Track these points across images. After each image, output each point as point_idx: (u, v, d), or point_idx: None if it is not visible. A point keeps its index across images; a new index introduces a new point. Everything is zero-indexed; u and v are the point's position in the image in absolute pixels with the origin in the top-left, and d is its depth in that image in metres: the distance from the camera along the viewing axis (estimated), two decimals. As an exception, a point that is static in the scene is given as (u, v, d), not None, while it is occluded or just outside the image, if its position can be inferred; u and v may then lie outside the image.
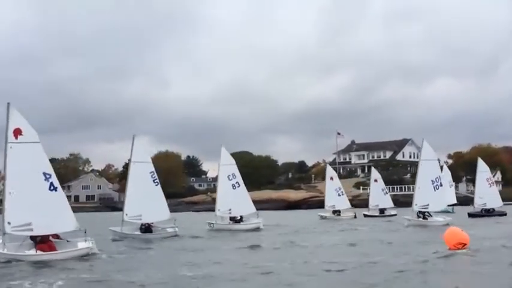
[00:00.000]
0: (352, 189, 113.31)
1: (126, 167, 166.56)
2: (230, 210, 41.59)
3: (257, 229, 40.40)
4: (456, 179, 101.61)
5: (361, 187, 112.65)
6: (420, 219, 41.38)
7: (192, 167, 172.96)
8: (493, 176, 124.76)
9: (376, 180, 64.40)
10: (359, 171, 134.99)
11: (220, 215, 41.71)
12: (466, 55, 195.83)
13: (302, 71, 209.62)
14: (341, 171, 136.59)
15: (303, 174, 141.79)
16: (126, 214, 34.18)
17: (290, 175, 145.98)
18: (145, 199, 34.13)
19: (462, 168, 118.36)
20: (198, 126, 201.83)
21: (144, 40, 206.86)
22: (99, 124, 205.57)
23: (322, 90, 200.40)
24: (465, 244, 22.04)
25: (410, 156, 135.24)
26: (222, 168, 43.07)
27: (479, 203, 52.97)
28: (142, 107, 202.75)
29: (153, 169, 36.69)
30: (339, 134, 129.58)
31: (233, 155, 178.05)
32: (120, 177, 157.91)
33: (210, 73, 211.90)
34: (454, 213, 57.75)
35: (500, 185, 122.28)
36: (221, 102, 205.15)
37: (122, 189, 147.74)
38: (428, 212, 41.63)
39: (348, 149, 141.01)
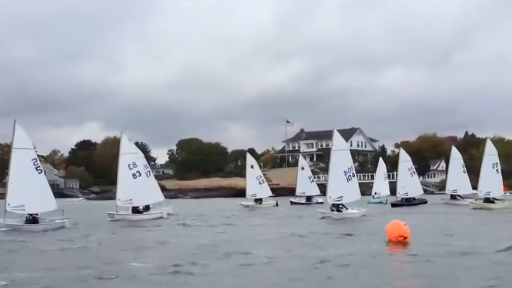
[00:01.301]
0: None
1: (73, 152, 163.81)
2: (131, 200, 40.12)
3: (160, 219, 39.61)
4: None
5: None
6: (334, 212, 39.64)
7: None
8: (438, 165, 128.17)
9: (303, 168, 64.78)
10: (307, 160, 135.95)
11: (121, 205, 40.28)
12: (420, 45, 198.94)
13: (258, 58, 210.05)
14: (290, 159, 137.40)
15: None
16: (9, 204, 31.90)
17: (240, 163, 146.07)
18: (28, 188, 31.93)
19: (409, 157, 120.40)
20: (152, 111, 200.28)
21: (100, 23, 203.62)
22: (50, 108, 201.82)
23: (278, 77, 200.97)
24: (406, 237, 22.38)
25: (358, 145, 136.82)
26: (122, 158, 41.17)
27: (401, 193, 53.54)
28: (96, 91, 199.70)
29: (35, 156, 34.07)
30: (288, 122, 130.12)
31: (182, 141, 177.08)
32: (66, 163, 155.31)
33: (167, 58, 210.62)
34: (388, 204, 58.67)
35: (445, 174, 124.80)
36: (177, 87, 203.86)
37: (68, 176, 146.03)
38: (342, 204, 39.85)
39: (297, 138, 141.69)
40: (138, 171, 40.79)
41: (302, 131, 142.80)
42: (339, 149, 40.80)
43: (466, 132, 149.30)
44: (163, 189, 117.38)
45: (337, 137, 41.27)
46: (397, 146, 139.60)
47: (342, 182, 39.54)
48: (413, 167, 55.78)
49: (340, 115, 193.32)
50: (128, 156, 41.07)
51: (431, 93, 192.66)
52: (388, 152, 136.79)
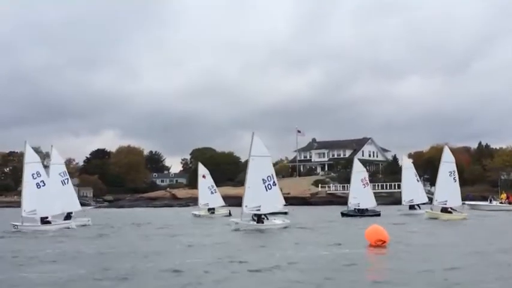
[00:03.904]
0: (311, 187, 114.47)
1: (88, 161, 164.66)
2: (35, 210, 38.35)
3: (68, 229, 38.34)
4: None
5: (319, 185, 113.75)
6: (253, 222, 36.82)
7: (155, 162, 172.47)
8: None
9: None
10: (319, 169, 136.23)
11: (25, 215, 38.48)
12: (437, 54, 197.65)
13: (273, 66, 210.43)
14: (301, 168, 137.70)
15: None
16: None
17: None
18: None
19: (421, 167, 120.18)
20: (166, 120, 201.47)
21: (115, 31, 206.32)
22: (66, 116, 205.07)
23: (293, 85, 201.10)
24: (384, 241, 22.73)
25: (369, 155, 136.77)
26: (26, 167, 39.30)
27: (353, 203, 52.04)
28: (111, 100, 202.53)
29: None
30: (299, 131, 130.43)
31: (196, 150, 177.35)
32: (80, 172, 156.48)
33: (182, 66, 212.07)
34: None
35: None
36: (192, 96, 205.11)
37: (82, 184, 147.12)
38: (264, 215, 37.23)
39: (309, 147, 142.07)
40: (42, 181, 38.90)
41: (314, 140, 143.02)
42: (258, 155, 37.57)
43: (480, 143, 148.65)
44: (174, 197, 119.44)
45: (256, 142, 38.04)
46: (410, 156, 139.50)
47: (260, 191, 36.57)
48: (367, 178, 54.27)
49: (355, 124, 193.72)
50: (32, 165, 39.21)
51: (448, 103, 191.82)
52: (400, 162, 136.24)
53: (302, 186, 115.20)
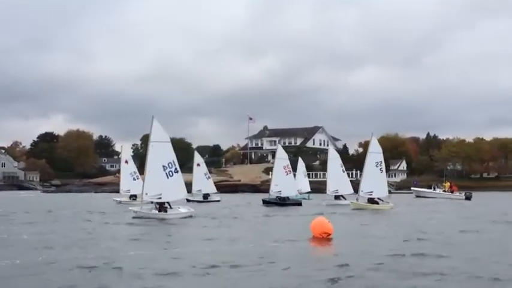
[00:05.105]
0: (262, 175, 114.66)
1: (35, 144, 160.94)
2: None
3: None
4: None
5: (270, 172, 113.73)
6: (155, 211, 35.11)
7: (104, 147, 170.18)
8: (399, 165, 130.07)
9: (198, 164, 62.26)
10: (270, 157, 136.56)
11: None
12: (392, 46, 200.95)
13: (229, 53, 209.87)
14: (252, 156, 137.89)
15: (216, 158, 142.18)
16: None
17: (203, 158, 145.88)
18: None
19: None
20: (120, 104, 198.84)
21: (69, 12, 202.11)
22: (16, 98, 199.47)
23: (248, 73, 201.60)
24: (329, 234, 22.59)
25: (320, 144, 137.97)
26: None
27: (274, 190, 51.05)
28: (62, 82, 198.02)
29: None
30: (250, 119, 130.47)
31: (147, 136, 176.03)
32: (27, 156, 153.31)
33: (136, 50, 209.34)
34: (311, 200, 58.40)
35: (405, 174, 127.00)
36: (146, 80, 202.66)
37: (28, 168, 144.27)
38: (168, 203, 35.32)
39: (261, 135, 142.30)
40: None
41: (265, 128, 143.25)
42: (157, 140, 35.91)
43: (428, 134, 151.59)
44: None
45: (156, 127, 36.24)
46: (360, 145, 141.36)
47: (160, 178, 34.80)
48: (289, 165, 54.19)
49: (309, 113, 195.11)
50: None
51: (400, 94, 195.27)
52: (352, 151, 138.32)
53: (253, 173, 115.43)
